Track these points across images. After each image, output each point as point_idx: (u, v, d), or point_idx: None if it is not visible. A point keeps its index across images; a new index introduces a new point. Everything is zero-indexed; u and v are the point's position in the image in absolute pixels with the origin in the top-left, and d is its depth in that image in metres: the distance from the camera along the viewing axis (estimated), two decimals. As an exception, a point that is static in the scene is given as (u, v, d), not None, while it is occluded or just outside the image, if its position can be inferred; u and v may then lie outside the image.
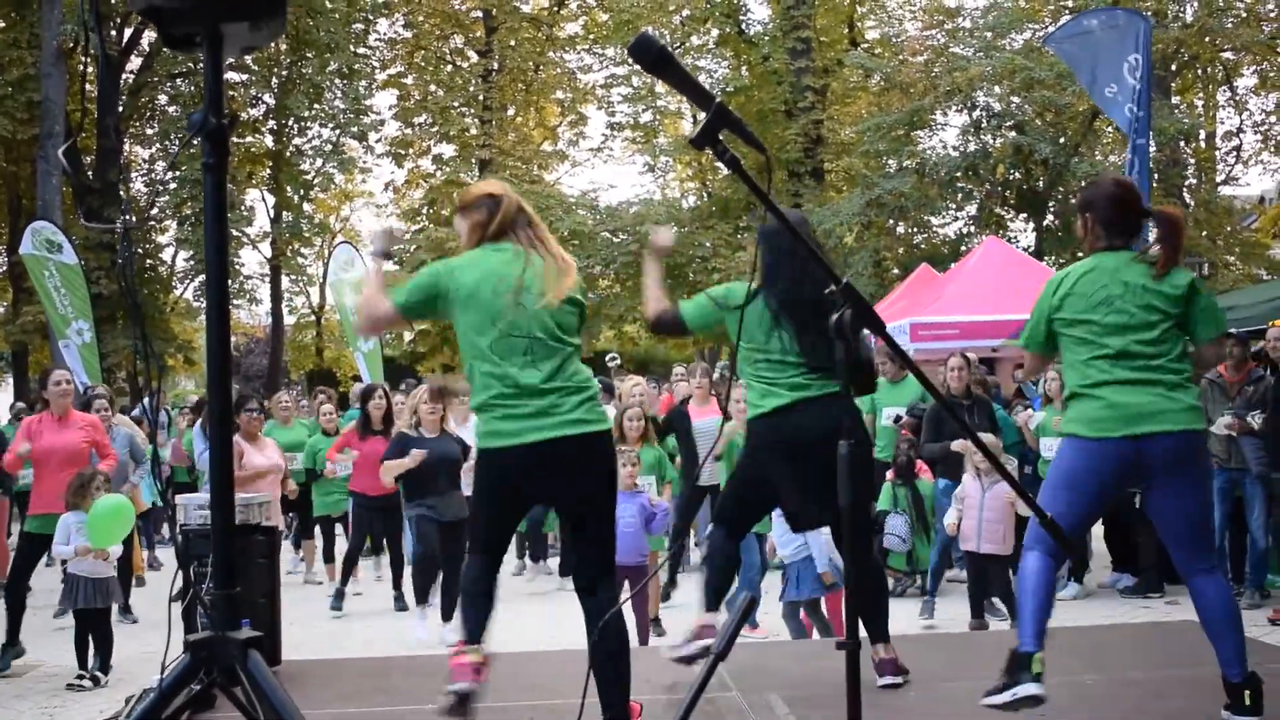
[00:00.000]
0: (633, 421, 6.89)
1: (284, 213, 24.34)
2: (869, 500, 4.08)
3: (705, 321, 4.08)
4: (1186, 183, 21.64)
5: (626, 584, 6.13)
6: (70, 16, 17.74)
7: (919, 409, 7.98)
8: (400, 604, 8.03)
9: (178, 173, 21.30)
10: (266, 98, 23.52)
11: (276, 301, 25.79)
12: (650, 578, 6.46)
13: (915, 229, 21.89)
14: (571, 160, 27.62)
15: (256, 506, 5.11)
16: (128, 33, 21.21)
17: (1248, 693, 3.35)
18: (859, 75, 23.10)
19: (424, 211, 24.95)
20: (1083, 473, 3.41)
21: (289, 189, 24.22)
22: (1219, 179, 23.90)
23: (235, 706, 2.44)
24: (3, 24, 20.14)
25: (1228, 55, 21.71)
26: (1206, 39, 19.86)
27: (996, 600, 6.67)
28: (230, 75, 21.03)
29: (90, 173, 20.53)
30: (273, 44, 17.84)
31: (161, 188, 22.28)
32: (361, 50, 24.48)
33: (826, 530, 5.02)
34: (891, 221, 20.76)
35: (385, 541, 8.67)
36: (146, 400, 12.01)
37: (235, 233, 22.39)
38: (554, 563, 9.21)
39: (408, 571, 7.68)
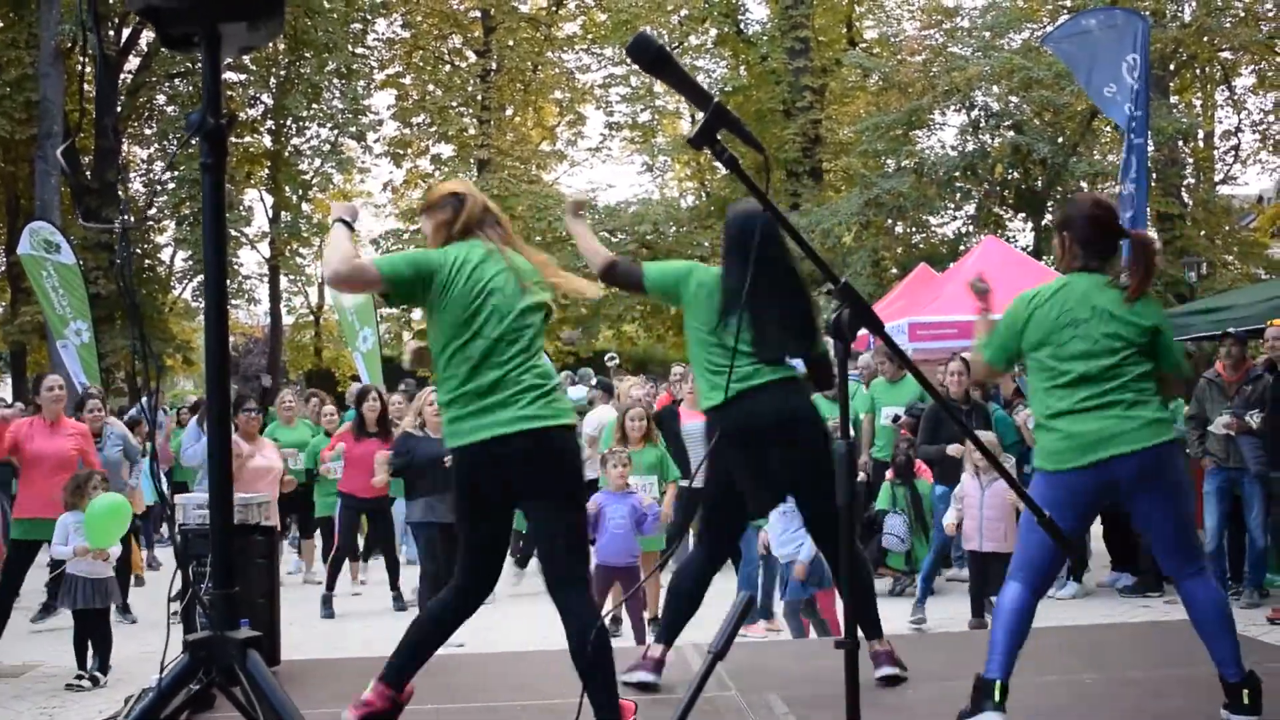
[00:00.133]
0: (634, 422, 6.88)
1: (282, 213, 24.31)
2: (833, 488, 4.04)
3: (664, 290, 4.06)
4: (1185, 182, 21.65)
5: (619, 586, 6.15)
6: (68, 16, 17.74)
7: (918, 409, 7.99)
8: (399, 604, 8.02)
9: (176, 173, 21.29)
10: (265, 98, 23.50)
11: (275, 301, 25.76)
12: (649, 578, 6.46)
13: (914, 229, 21.90)
14: (570, 160, 27.61)
15: (255, 506, 5.10)
16: (126, 33, 21.20)
17: (1246, 691, 3.36)
18: (857, 75, 23.10)
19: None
20: (1054, 506, 3.45)
21: (287, 189, 24.20)
22: (1217, 178, 23.91)
23: (234, 706, 2.45)
24: (1, 24, 20.12)
25: (1226, 55, 21.73)
26: (1205, 38, 19.88)
27: (996, 599, 6.65)
28: (228, 75, 21.03)
29: (88, 173, 20.52)
30: (271, 44, 17.84)
31: (160, 188, 22.27)
32: (360, 50, 24.45)
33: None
34: (890, 221, 20.76)
35: (378, 545, 8.65)
36: (144, 400, 12.00)
37: (234, 233, 22.34)
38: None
39: (406, 572, 7.66)
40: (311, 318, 30.72)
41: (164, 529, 11.23)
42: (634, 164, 29.82)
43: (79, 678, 5.94)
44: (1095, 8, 13.77)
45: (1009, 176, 19.74)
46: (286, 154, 23.98)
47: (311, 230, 24.78)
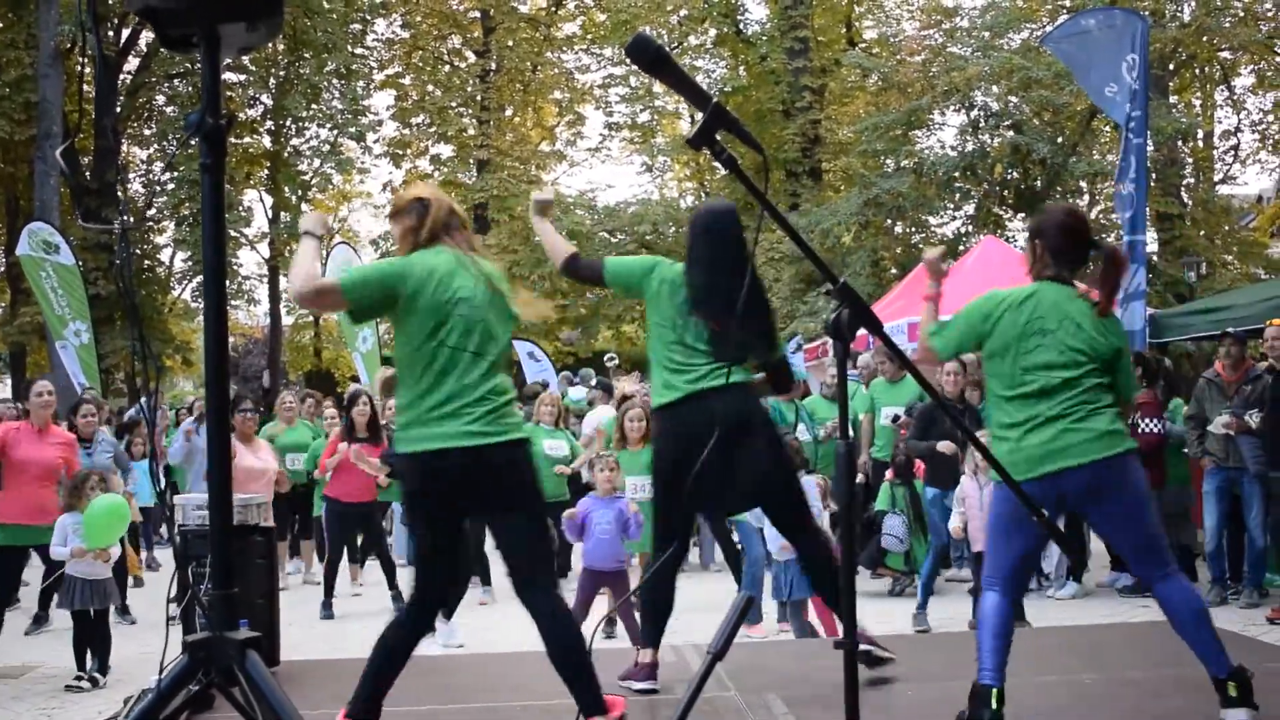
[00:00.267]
0: (634, 423, 6.87)
1: (282, 213, 24.30)
2: (792, 479, 4.07)
3: (625, 284, 4.08)
4: (1184, 182, 21.65)
5: (609, 590, 6.13)
6: (68, 17, 17.74)
7: (918, 409, 7.96)
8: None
9: (175, 173, 21.30)
10: (264, 98, 23.51)
11: (275, 302, 25.76)
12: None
13: (913, 229, 21.87)
14: (569, 160, 27.66)
15: (255, 507, 5.11)
16: (125, 33, 21.18)
17: (1232, 684, 3.36)
18: (857, 75, 23.10)
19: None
20: (1009, 519, 3.46)
21: (287, 189, 24.20)
22: (1217, 178, 23.92)
23: (234, 707, 2.44)
24: (0, 24, 20.12)
25: (1225, 55, 21.73)
26: (1204, 38, 19.88)
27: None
28: (228, 76, 21.02)
29: (88, 173, 20.52)
30: (270, 44, 17.85)
31: (159, 188, 22.26)
32: (359, 50, 24.47)
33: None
34: (889, 221, 20.74)
35: (370, 549, 8.63)
36: (144, 401, 11.99)
37: (233, 233, 22.37)
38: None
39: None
40: (311, 318, 30.70)
41: (163, 530, 11.23)
42: (633, 164, 29.86)
43: (78, 678, 5.93)
44: (1094, 8, 13.76)
45: (1008, 176, 19.72)
46: (286, 154, 23.98)
47: (311, 231, 24.71)
